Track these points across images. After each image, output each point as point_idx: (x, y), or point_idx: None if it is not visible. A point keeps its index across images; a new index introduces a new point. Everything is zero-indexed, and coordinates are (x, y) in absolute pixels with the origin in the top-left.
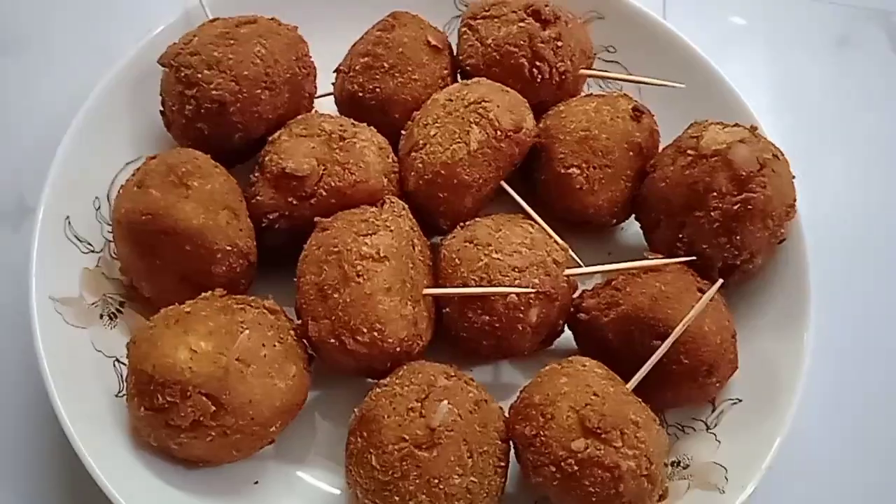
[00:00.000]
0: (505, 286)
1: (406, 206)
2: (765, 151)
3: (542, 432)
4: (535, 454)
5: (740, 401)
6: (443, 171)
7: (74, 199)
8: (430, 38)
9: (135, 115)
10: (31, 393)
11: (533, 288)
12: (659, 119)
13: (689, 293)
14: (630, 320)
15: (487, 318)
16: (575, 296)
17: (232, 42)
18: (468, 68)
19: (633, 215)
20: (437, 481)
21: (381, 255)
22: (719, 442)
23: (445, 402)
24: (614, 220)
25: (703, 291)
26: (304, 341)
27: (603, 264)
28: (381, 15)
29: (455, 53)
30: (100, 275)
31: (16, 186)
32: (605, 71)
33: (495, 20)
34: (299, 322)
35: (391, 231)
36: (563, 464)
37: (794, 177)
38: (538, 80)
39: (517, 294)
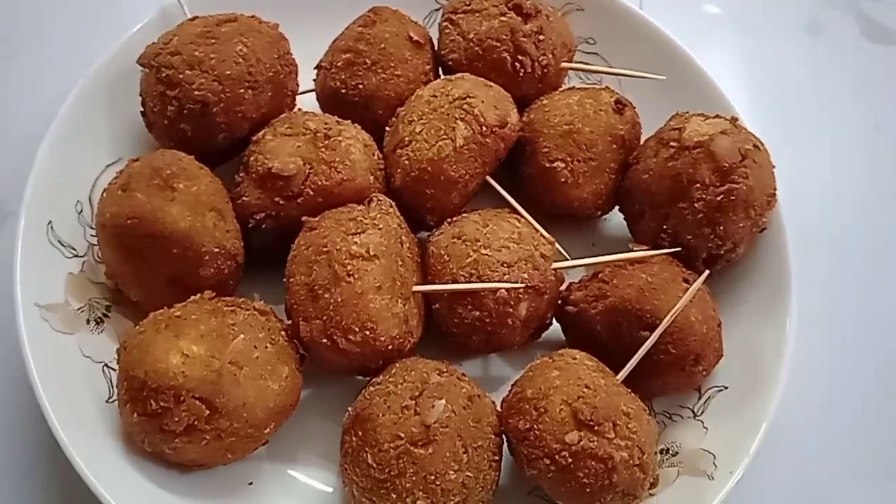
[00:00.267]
0: (494, 282)
1: (393, 203)
2: (746, 142)
3: (535, 426)
4: (529, 448)
5: (726, 388)
6: (429, 168)
7: (56, 204)
8: (412, 33)
9: (113, 116)
10: (21, 401)
11: (522, 283)
12: (639, 110)
13: (675, 284)
14: (618, 312)
15: (478, 313)
16: (562, 288)
17: (213, 41)
18: (450, 63)
19: (617, 207)
20: (433, 477)
21: (371, 253)
22: (706, 429)
23: (443, 400)
24: (599, 213)
25: (688, 282)
26: (296, 342)
27: (587, 256)
28: (359, 9)
29: (436, 48)
30: (84, 279)
31: None
32: (586, 63)
33: (476, 14)
34: (290, 322)
35: (380, 229)
36: (557, 456)
37: (773, 167)
38: (521, 74)
39: (507, 289)
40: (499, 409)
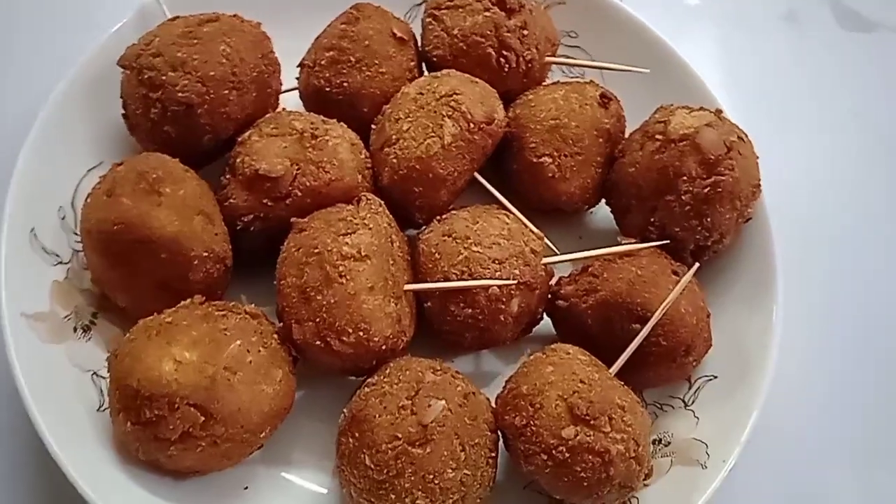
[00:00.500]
0: (486, 279)
1: (382, 202)
2: (730, 134)
3: (531, 422)
4: (525, 443)
5: (715, 377)
6: (417, 166)
7: (38, 211)
8: (396, 29)
9: (93, 119)
10: (11, 414)
11: (514, 279)
12: (622, 103)
13: (664, 276)
14: (609, 305)
15: (470, 311)
16: (552, 283)
17: (196, 41)
18: (435, 59)
19: (604, 200)
20: (431, 477)
21: (363, 254)
22: (698, 418)
23: (443, 401)
24: (586, 206)
25: (677, 274)
26: (288, 344)
27: (575, 249)
28: (339, 6)
29: (420, 44)
30: (70, 286)
31: None
32: (570, 57)
33: (460, 10)
34: (281, 325)
35: (370, 229)
36: (554, 452)
37: (758, 157)
38: (505, 69)
39: (499, 286)
40: (493, 405)
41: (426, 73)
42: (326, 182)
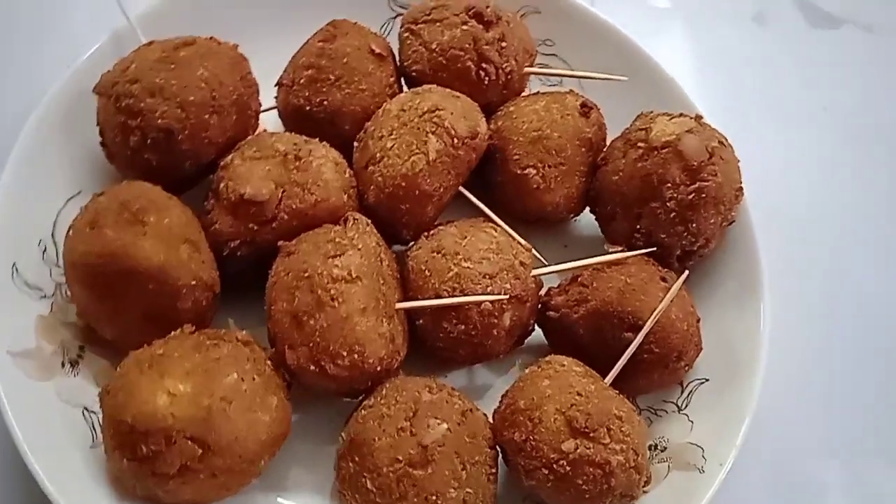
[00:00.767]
0: (478, 294)
1: (370, 221)
2: (711, 140)
3: (531, 437)
4: (526, 459)
5: (707, 380)
6: (403, 184)
7: (19, 246)
8: (374, 45)
9: (69, 147)
10: (4, 454)
11: (505, 293)
12: (600, 108)
13: (653, 283)
14: (600, 315)
15: (463, 326)
16: (542, 293)
17: (173, 66)
18: (414, 74)
19: (588, 208)
20: (434, 498)
21: (353, 275)
22: (692, 422)
23: (445, 424)
24: (571, 215)
25: (665, 280)
26: (282, 370)
27: (561, 257)
28: (315, 21)
29: (398, 59)
30: (55, 321)
31: None
32: (548, 66)
33: (437, 24)
34: (274, 350)
35: (359, 249)
36: (555, 465)
37: (738, 161)
38: (485, 82)
39: (490, 301)
40: (490, 419)
41: (405, 88)
42: (312, 203)
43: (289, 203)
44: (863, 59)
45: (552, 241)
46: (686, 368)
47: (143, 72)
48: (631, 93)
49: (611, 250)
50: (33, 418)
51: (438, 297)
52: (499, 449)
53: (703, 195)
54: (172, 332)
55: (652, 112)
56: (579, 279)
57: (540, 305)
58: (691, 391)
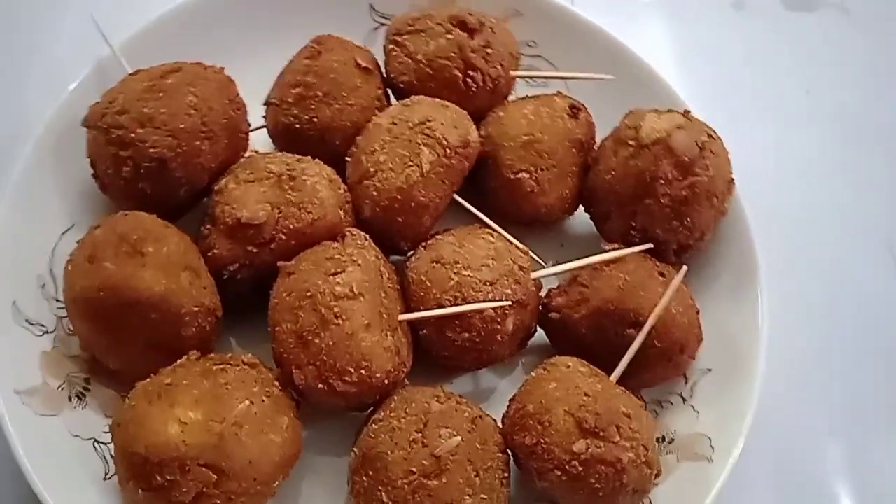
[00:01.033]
0: (480, 302)
1: (367, 236)
2: (701, 134)
3: (542, 440)
4: (538, 461)
5: (710, 370)
6: (399, 196)
7: (17, 283)
8: (360, 59)
9: (60, 181)
10: (18, 494)
11: (507, 299)
12: (588, 107)
13: (652, 279)
14: (601, 314)
15: (467, 334)
16: (542, 295)
17: (161, 94)
18: (401, 86)
19: (581, 207)
20: None
21: (356, 292)
22: (698, 412)
23: (459, 437)
24: (565, 215)
25: (663, 275)
26: (290, 389)
27: (558, 257)
28: (298, 38)
29: (384, 71)
30: (59, 355)
31: None
32: (534, 69)
33: (422, 34)
34: (280, 371)
35: (359, 265)
36: (567, 466)
37: (728, 153)
38: (473, 89)
39: (493, 308)
40: (499, 424)
41: (393, 99)
42: (309, 222)
43: (286, 223)
44: (841, 41)
45: (548, 241)
46: (689, 360)
47: (132, 102)
48: (617, 89)
49: (608, 248)
50: (45, 454)
51: (440, 306)
52: (510, 452)
53: (696, 189)
54: (178, 360)
55: (640, 109)
56: (579, 279)
57: (541, 307)
58: (695, 382)
